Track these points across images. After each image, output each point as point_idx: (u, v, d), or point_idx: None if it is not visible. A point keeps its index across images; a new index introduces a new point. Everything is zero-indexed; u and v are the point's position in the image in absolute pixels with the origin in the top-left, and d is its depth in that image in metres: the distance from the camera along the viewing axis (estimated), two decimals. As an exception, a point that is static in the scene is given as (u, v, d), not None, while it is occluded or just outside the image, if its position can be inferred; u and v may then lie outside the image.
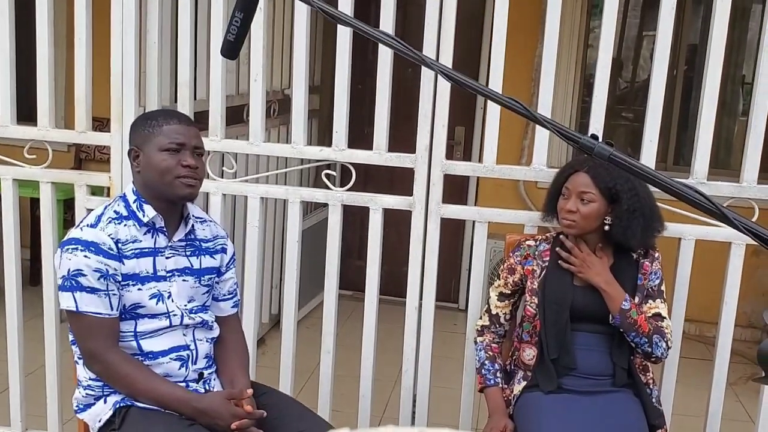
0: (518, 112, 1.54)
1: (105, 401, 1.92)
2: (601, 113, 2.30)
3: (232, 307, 2.15)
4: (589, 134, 1.58)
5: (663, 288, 2.19)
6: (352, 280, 4.21)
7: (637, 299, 2.15)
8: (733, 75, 4.88)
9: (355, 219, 3.97)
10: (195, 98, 2.78)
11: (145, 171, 1.92)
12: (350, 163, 2.44)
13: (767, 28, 2.22)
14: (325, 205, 2.52)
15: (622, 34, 5.12)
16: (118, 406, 1.90)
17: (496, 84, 2.28)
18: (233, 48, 1.36)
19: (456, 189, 4.57)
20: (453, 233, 4.75)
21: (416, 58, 1.58)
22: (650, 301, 2.16)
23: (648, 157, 2.30)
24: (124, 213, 1.92)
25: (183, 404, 1.86)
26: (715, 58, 2.23)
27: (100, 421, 1.92)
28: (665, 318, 2.15)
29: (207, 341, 2.02)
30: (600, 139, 1.51)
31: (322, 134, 4.84)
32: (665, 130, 4.75)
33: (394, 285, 3.63)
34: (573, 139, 1.55)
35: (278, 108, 4.01)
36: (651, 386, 2.20)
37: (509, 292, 2.27)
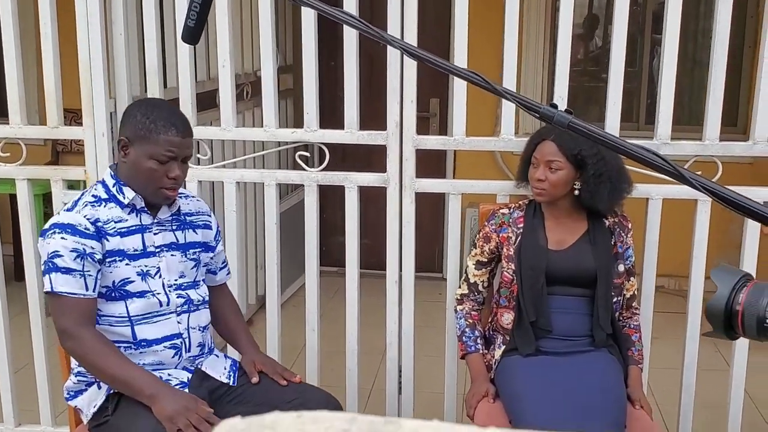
0: (479, 84, 1.58)
1: (99, 386, 1.96)
2: (564, 82, 2.34)
3: (227, 274, 2.28)
4: (549, 103, 1.63)
5: (634, 260, 2.31)
6: (336, 257, 4.25)
7: (621, 267, 2.22)
8: (702, 28, 4.91)
9: (336, 196, 3.99)
10: (165, 86, 2.79)
11: (130, 167, 1.93)
12: (323, 144, 2.47)
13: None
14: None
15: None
16: (110, 392, 1.94)
17: (460, 57, 2.31)
18: (194, 33, 1.38)
19: (434, 160, 4.60)
20: (434, 204, 4.79)
21: (378, 37, 1.61)
22: (631, 278, 2.30)
23: (612, 119, 2.34)
24: (104, 196, 1.95)
25: (146, 385, 1.84)
26: (673, 19, 2.26)
27: (94, 407, 1.96)
28: (635, 296, 2.36)
29: (200, 330, 2.06)
30: (561, 107, 1.56)
31: (298, 114, 4.85)
32: (636, 91, 4.79)
33: (377, 259, 3.68)
34: (533, 108, 1.59)
35: (251, 90, 4.02)
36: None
37: (486, 260, 2.32)
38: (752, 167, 4.25)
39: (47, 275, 1.88)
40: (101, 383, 1.95)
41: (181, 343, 2.00)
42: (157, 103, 2.02)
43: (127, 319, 1.94)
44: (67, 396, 2.03)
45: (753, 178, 4.07)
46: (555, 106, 1.56)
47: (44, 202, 4.27)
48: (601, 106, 5.08)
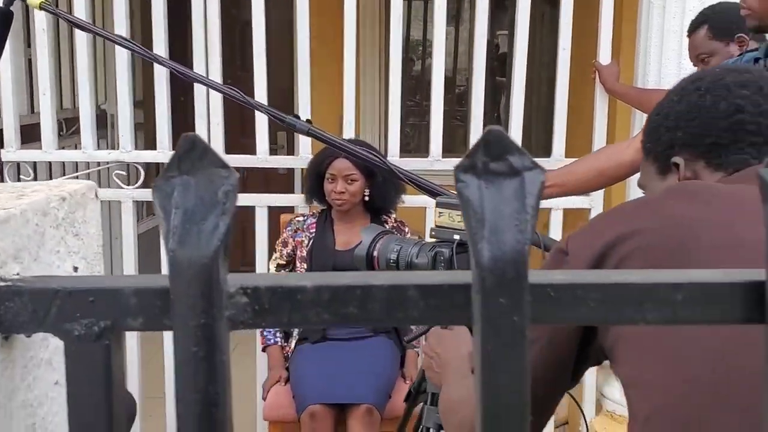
0: (235, 98, 1.93)
1: None
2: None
3: None
4: (294, 114, 1.99)
5: None
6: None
7: None
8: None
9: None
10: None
11: None
12: (138, 163, 2.74)
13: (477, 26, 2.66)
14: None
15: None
16: None
17: (260, 79, 2.65)
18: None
19: (288, 180, 4.95)
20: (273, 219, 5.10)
21: (148, 56, 1.94)
22: None
23: (393, 143, 2.71)
24: None
25: None
26: (438, 56, 2.66)
27: None
28: None
29: None
30: (303, 119, 1.93)
31: (149, 146, 5.07)
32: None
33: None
34: (279, 118, 1.95)
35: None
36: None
37: (285, 262, 2.64)
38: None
39: None
40: None
41: None
42: None
43: None
44: None
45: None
46: (297, 117, 1.92)
47: None
48: (462, 138, 5.53)
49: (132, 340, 2.75)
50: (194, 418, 0.38)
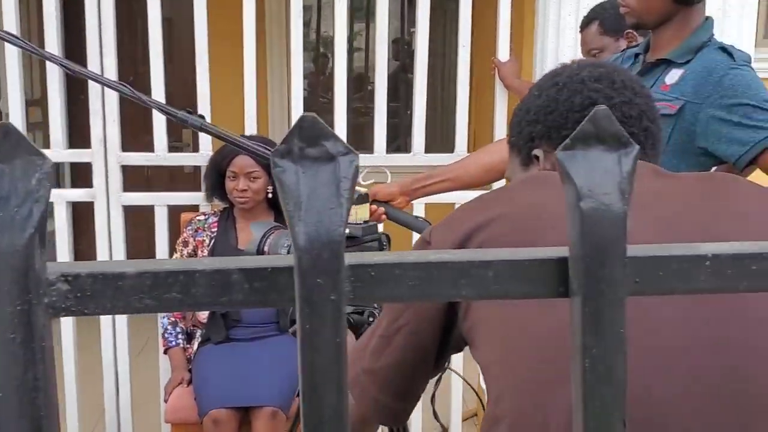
0: (126, 95, 1.88)
1: None
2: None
3: None
4: (185, 109, 1.96)
5: None
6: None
7: None
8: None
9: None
10: None
11: None
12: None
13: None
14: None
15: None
16: None
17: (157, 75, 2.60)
18: None
19: (195, 179, 4.85)
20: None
21: (37, 53, 1.87)
22: None
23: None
24: None
25: None
26: (340, 52, 2.68)
27: None
28: None
29: None
30: (197, 114, 1.89)
31: (47, 145, 4.89)
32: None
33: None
34: (171, 114, 1.92)
35: (-10, 121, 4.06)
36: None
37: (185, 262, 2.60)
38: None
39: None
40: None
41: None
42: None
43: None
44: None
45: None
46: (190, 112, 1.89)
47: None
48: (369, 133, 5.57)
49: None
50: (15, 404, 0.38)
